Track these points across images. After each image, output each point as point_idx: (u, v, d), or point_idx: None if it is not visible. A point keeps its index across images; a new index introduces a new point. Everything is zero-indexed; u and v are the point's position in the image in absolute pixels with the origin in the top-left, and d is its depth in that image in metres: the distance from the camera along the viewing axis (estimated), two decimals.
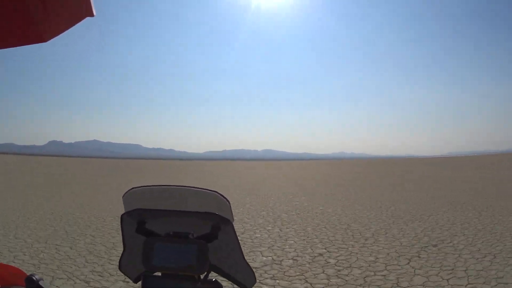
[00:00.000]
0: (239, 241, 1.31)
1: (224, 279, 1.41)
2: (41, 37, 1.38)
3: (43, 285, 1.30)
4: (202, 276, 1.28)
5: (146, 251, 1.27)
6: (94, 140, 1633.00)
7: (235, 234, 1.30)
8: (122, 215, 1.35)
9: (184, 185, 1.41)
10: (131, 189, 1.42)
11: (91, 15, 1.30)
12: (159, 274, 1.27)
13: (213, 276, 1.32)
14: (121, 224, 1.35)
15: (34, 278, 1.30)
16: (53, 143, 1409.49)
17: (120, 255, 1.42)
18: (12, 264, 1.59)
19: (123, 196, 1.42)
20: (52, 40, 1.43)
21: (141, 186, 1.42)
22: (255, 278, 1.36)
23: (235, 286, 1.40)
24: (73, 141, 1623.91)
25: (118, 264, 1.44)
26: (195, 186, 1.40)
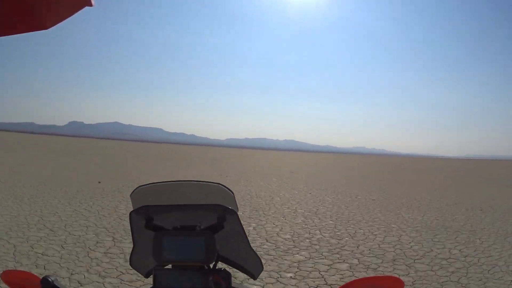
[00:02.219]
0: (245, 230, 1.36)
1: (233, 268, 1.47)
2: (43, 25, 1.51)
3: (58, 285, 1.36)
4: (211, 266, 1.35)
5: (155, 246, 1.33)
6: (115, 122, 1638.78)
7: (241, 223, 1.35)
8: (130, 213, 1.41)
9: (188, 179, 1.55)
10: (138, 187, 1.50)
11: (90, 4, 1.39)
12: (169, 267, 1.35)
13: (221, 265, 1.39)
14: (130, 221, 1.42)
15: (49, 279, 1.35)
16: (73, 123, 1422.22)
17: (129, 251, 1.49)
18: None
19: (130, 194, 1.51)
20: (54, 28, 1.56)
21: (147, 184, 1.51)
22: (262, 266, 1.45)
23: (244, 274, 1.48)
24: (93, 122, 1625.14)
25: (129, 260, 1.50)
26: (199, 180, 1.48)
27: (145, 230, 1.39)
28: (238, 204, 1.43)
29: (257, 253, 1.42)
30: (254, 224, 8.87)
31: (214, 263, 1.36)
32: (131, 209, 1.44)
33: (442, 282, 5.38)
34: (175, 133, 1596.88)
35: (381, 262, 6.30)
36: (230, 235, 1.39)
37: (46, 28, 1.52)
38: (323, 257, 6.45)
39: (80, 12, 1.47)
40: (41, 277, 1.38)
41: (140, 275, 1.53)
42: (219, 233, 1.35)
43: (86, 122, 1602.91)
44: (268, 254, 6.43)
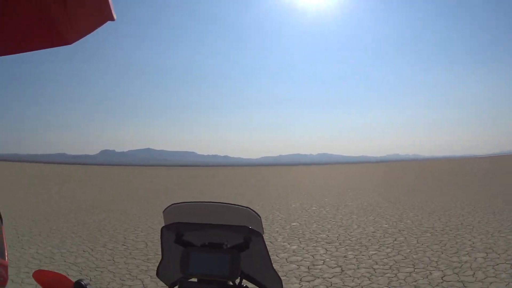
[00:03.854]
0: (268, 252, 1.47)
1: (255, 286, 1.57)
2: (66, 40, 1.56)
3: None
4: (234, 283, 1.47)
5: (183, 259, 1.46)
6: (147, 148, 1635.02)
7: (265, 245, 1.47)
8: (162, 228, 1.55)
9: (220, 201, 1.62)
10: (171, 205, 1.62)
11: (112, 19, 1.46)
12: (195, 280, 1.47)
13: (244, 283, 1.52)
14: (160, 235, 1.56)
15: (82, 283, 1.45)
16: (105, 152, 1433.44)
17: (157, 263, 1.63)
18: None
19: (163, 211, 1.63)
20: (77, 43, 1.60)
21: (180, 202, 1.62)
22: (282, 285, 1.51)
23: None
24: (125, 150, 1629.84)
25: (156, 271, 1.65)
26: (230, 203, 1.59)
27: (174, 244, 1.53)
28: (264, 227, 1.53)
29: (279, 274, 1.50)
30: None
31: (237, 280, 1.47)
32: (163, 224, 1.58)
33: None
34: (208, 156, 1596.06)
35: None
36: (255, 255, 1.48)
37: (69, 43, 1.57)
38: None
39: (102, 27, 1.53)
40: (74, 280, 1.48)
41: (165, 285, 1.63)
42: (244, 252, 1.45)
43: (118, 150, 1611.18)
44: None
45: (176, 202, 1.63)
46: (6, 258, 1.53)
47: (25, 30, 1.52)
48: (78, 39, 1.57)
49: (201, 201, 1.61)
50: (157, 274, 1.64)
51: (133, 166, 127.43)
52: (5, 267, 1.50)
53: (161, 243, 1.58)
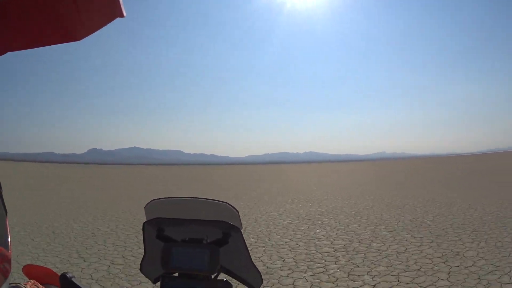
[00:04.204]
0: (247, 246, 1.50)
1: (234, 279, 1.59)
2: (74, 36, 1.54)
3: (76, 282, 1.52)
4: (214, 276, 1.51)
5: (164, 255, 1.48)
6: (134, 147, 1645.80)
7: (244, 240, 1.49)
8: (143, 223, 1.57)
9: (199, 196, 1.66)
10: (152, 200, 1.64)
11: (122, 15, 1.43)
12: (176, 274, 1.51)
13: (224, 277, 1.55)
14: (142, 231, 1.58)
15: (67, 276, 1.50)
16: (93, 151, 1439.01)
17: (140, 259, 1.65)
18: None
19: (145, 206, 1.65)
20: (85, 39, 1.59)
21: (161, 198, 1.65)
22: (262, 279, 1.56)
23: (244, 286, 1.60)
24: (113, 149, 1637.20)
25: (139, 266, 1.67)
26: (208, 198, 1.62)
27: (156, 240, 1.55)
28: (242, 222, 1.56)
29: (258, 268, 1.53)
30: None
31: (217, 274, 1.51)
32: (145, 219, 1.59)
33: None
34: (195, 154, 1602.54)
35: None
36: (234, 249, 1.51)
37: (77, 39, 1.56)
38: None
39: (111, 23, 1.52)
40: (59, 274, 1.53)
41: (148, 280, 1.65)
42: (224, 247, 1.49)
43: (105, 148, 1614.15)
44: None
45: (156, 198, 1.65)
46: (10, 250, 1.44)
47: (35, 26, 1.50)
48: (87, 35, 1.56)
49: (181, 196, 1.65)
50: (141, 269, 1.65)
51: (121, 165, 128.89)
52: (9, 260, 1.43)
53: (143, 239, 1.59)
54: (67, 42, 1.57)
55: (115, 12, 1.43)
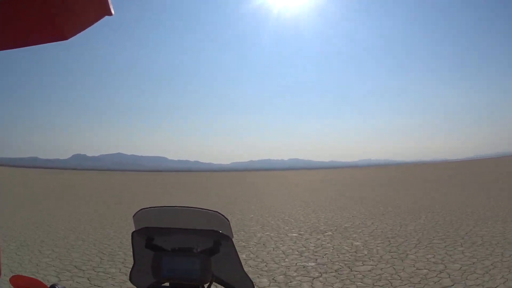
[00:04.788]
0: (238, 254, 1.50)
1: None
2: (63, 35, 1.53)
3: None
4: (206, 286, 1.50)
5: (155, 264, 1.47)
6: (119, 153, 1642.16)
7: (235, 248, 1.49)
8: (132, 233, 1.54)
9: (188, 206, 1.63)
10: (141, 209, 1.62)
11: (110, 14, 1.41)
12: (167, 284, 1.49)
13: (216, 286, 1.56)
14: (131, 241, 1.55)
15: (57, 287, 1.47)
16: (76, 156, 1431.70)
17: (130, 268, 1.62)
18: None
19: (133, 216, 1.62)
20: (72, 39, 1.58)
21: (150, 207, 1.62)
22: (254, 287, 1.55)
23: None
24: (97, 154, 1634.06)
25: (128, 276, 1.63)
26: (198, 207, 1.60)
27: (145, 249, 1.54)
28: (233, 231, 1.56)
29: (249, 276, 1.54)
30: None
31: (209, 283, 1.51)
32: (133, 229, 1.57)
33: None
34: (179, 161, 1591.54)
35: None
36: (225, 258, 1.51)
37: (66, 38, 1.56)
38: None
39: (99, 22, 1.50)
40: (49, 285, 1.49)
41: None
42: (215, 256, 1.49)
43: (89, 154, 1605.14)
44: None
45: (145, 207, 1.61)
46: None
47: (22, 25, 1.48)
48: (75, 34, 1.54)
49: (170, 205, 1.62)
50: (130, 279, 1.62)
51: (106, 170, 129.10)
52: None
53: (132, 248, 1.56)
54: (55, 41, 1.56)
55: (104, 10, 1.42)
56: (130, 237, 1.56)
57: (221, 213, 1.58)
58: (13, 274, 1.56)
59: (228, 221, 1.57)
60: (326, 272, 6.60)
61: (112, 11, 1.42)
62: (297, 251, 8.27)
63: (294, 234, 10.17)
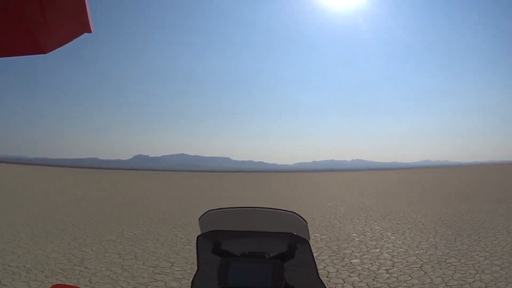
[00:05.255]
0: (315, 260, 1.36)
1: None
2: (42, 49, 1.54)
3: None
4: None
5: (221, 271, 1.35)
6: (181, 153, 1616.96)
7: (312, 253, 1.37)
8: (198, 237, 1.46)
9: (261, 206, 1.52)
10: (208, 211, 1.55)
11: (89, 31, 1.45)
12: None
13: None
14: (196, 245, 1.46)
15: None
16: (138, 157, 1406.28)
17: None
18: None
19: (199, 218, 1.56)
20: (53, 52, 1.58)
21: (217, 209, 1.54)
22: None
23: None
24: (159, 155, 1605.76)
25: (190, 284, 1.50)
26: (272, 208, 1.50)
27: (211, 254, 1.43)
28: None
29: (325, 284, 1.39)
30: None
31: None
32: (199, 232, 1.48)
33: None
34: (243, 161, 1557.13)
35: None
36: (300, 264, 1.38)
37: (44, 52, 1.56)
38: None
39: (79, 38, 1.52)
40: None
41: None
42: (289, 262, 1.36)
43: (151, 155, 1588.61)
44: None
45: (212, 209, 1.55)
46: None
47: (1, 36, 1.49)
48: (55, 49, 1.55)
49: (240, 206, 1.53)
50: (192, 286, 1.49)
51: (167, 171, 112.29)
52: None
53: (197, 253, 1.48)
54: (34, 54, 1.58)
55: (83, 27, 1.44)
56: (195, 241, 1.47)
57: (297, 213, 1.49)
58: (55, 284, 1.58)
59: (306, 222, 1.49)
60: None
61: (92, 29, 1.44)
62: None
63: None
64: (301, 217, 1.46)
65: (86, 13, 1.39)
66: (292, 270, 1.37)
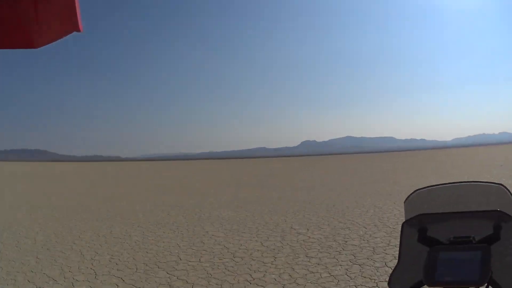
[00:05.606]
0: None
1: None
2: (31, 44, 1.65)
3: None
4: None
5: (429, 263, 1.16)
6: (347, 136, 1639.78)
7: None
8: (402, 224, 1.26)
9: (465, 180, 1.35)
10: (415, 191, 1.36)
11: (78, 30, 1.50)
12: None
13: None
14: (401, 234, 1.26)
15: None
16: (305, 143, 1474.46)
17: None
18: None
19: (405, 201, 1.39)
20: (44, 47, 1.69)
21: (426, 187, 1.36)
22: None
23: None
24: (326, 139, 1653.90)
25: (388, 280, 1.33)
26: (477, 180, 1.32)
27: (416, 243, 1.24)
28: None
29: None
30: None
31: (486, 284, 1.16)
32: (403, 219, 1.30)
33: None
34: (406, 140, 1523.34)
35: None
36: (505, 248, 1.17)
37: (34, 47, 1.66)
38: None
39: (70, 36, 1.59)
40: None
41: None
42: (493, 245, 1.16)
43: (318, 140, 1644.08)
44: None
45: (420, 188, 1.36)
46: None
47: None
48: (44, 45, 1.62)
49: (447, 182, 1.35)
50: (389, 282, 1.30)
51: (334, 154, 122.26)
52: None
53: (400, 243, 1.26)
54: (24, 48, 1.67)
55: (73, 26, 1.49)
56: (400, 229, 1.26)
57: (505, 186, 1.28)
58: None
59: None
60: None
61: (81, 28, 1.49)
62: None
63: None
64: (508, 190, 1.25)
65: (76, 12, 1.46)
66: (498, 255, 1.14)
